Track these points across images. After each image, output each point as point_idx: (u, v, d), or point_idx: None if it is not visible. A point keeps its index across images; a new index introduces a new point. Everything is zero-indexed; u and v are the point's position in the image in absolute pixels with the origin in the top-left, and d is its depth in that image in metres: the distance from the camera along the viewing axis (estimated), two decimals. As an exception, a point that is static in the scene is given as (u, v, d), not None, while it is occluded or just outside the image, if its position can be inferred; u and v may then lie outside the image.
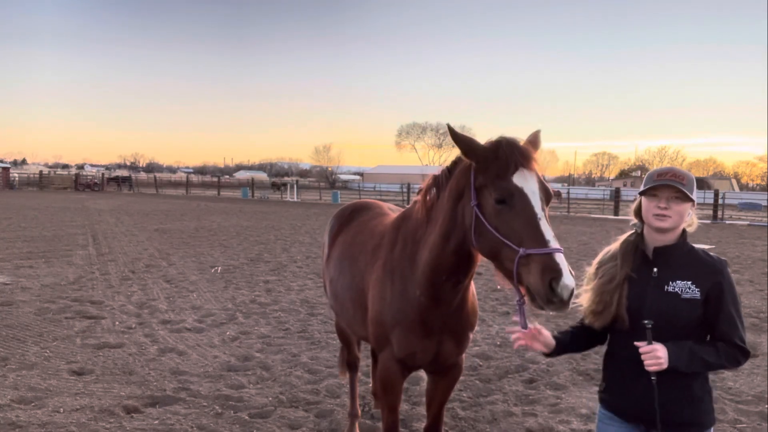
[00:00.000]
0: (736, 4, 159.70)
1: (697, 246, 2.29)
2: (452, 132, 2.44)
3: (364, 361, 4.91)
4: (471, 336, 3.05)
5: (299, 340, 6.40)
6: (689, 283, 2.19)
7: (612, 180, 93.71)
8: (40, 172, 58.56)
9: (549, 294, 2.07)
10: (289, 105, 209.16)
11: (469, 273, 2.73)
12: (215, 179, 72.58)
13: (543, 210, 2.24)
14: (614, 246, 2.38)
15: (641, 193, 2.29)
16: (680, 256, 2.25)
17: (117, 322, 6.82)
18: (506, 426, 4.36)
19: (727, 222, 27.87)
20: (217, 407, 4.49)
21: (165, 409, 4.44)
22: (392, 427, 3.12)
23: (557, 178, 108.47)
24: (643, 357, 2.13)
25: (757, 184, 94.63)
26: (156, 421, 4.21)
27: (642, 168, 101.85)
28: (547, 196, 2.31)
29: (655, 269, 2.25)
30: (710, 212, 31.01)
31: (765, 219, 29.61)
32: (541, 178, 2.35)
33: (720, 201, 30.43)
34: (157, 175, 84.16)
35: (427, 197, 2.76)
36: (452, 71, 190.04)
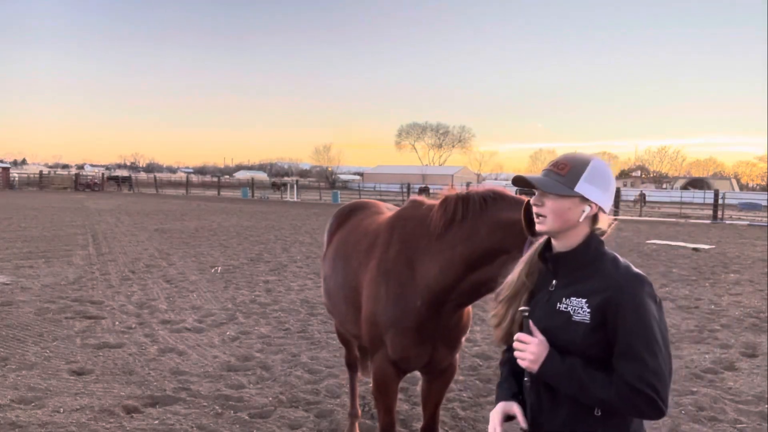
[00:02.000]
0: (736, 4, 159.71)
1: (611, 254, 1.79)
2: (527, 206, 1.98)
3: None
4: (464, 340, 3.06)
5: (299, 340, 6.40)
6: (583, 301, 1.70)
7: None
8: (40, 172, 58.56)
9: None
10: (289, 105, 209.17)
11: (477, 299, 2.72)
12: (215, 179, 72.58)
13: None
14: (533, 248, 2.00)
15: (519, 186, 1.90)
16: (582, 267, 1.76)
17: (117, 322, 6.82)
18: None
19: (727, 222, 27.88)
20: (217, 407, 4.49)
21: (165, 409, 4.44)
22: (388, 428, 3.11)
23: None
24: (515, 345, 1.76)
25: (757, 184, 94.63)
26: (156, 421, 4.21)
27: (642, 168, 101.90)
28: None
29: (554, 281, 1.80)
30: (710, 212, 31.04)
31: (765, 219, 29.63)
32: None
33: (720, 201, 30.43)
34: (157, 175, 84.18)
35: (449, 212, 2.68)
36: (452, 71, 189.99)
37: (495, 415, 1.87)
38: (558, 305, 1.75)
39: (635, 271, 1.72)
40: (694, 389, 5.08)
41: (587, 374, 1.65)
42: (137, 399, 4.58)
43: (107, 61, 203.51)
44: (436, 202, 2.80)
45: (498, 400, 1.90)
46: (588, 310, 1.68)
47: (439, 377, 3.13)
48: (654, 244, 17.02)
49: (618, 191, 35.53)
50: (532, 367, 1.72)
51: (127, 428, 4.09)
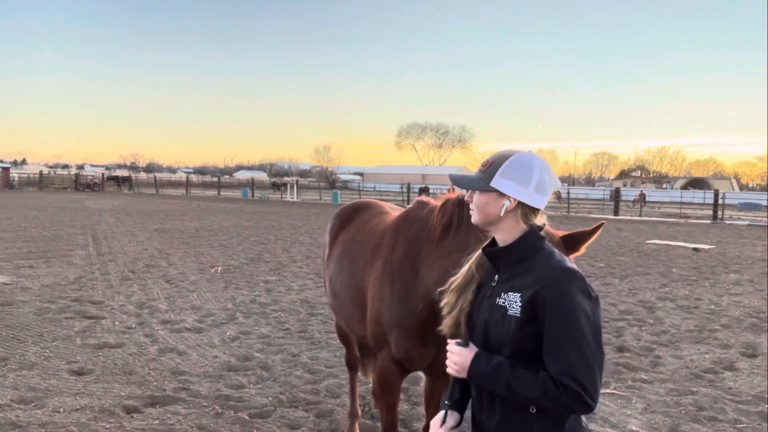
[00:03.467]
0: (736, 4, 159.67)
1: (550, 249, 1.80)
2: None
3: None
4: None
5: (299, 340, 6.40)
6: (518, 296, 1.73)
7: (612, 180, 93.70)
8: (40, 172, 58.54)
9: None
10: (289, 105, 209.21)
11: None
12: (215, 179, 72.62)
13: None
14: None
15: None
16: (520, 262, 1.78)
17: (117, 322, 6.82)
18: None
19: (727, 222, 27.87)
20: (217, 407, 4.49)
21: (165, 409, 4.44)
22: (391, 427, 3.12)
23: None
24: (447, 355, 1.83)
25: (757, 184, 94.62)
26: (156, 421, 4.21)
27: (642, 168, 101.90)
28: None
29: (497, 276, 1.84)
30: (710, 212, 31.04)
31: (765, 219, 29.63)
32: None
33: (720, 201, 30.43)
34: (157, 175, 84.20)
35: (446, 218, 2.67)
36: (452, 71, 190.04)
37: (435, 422, 1.90)
38: (497, 300, 1.78)
39: (568, 265, 1.72)
40: (694, 389, 5.08)
41: (514, 374, 1.67)
42: (137, 399, 4.58)
43: (107, 61, 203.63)
44: (439, 203, 2.80)
45: (440, 408, 1.95)
46: (520, 305, 1.71)
47: (442, 377, 3.13)
48: (654, 244, 17.01)
49: (618, 191, 35.61)
50: (460, 373, 1.77)
51: (127, 428, 4.09)
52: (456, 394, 1.95)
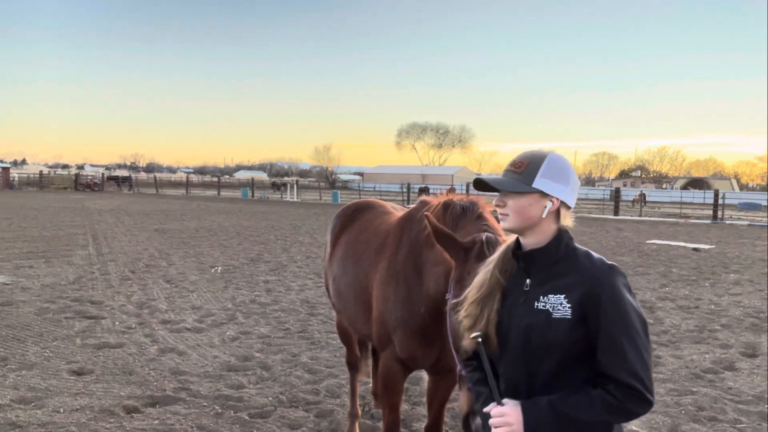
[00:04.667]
0: (736, 4, 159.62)
1: (583, 248, 1.77)
2: (432, 226, 2.25)
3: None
4: None
5: (299, 340, 6.40)
6: (562, 297, 1.67)
7: (612, 180, 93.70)
8: (40, 172, 58.55)
9: (464, 427, 1.91)
10: (289, 105, 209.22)
11: None
12: (215, 179, 72.61)
13: None
14: (502, 247, 1.94)
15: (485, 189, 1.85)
16: (555, 263, 1.73)
17: (117, 322, 6.82)
18: None
19: (727, 222, 27.87)
20: (217, 407, 4.49)
21: (165, 409, 4.44)
22: (393, 426, 3.12)
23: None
24: (491, 422, 1.67)
25: (757, 184, 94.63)
26: (156, 421, 4.21)
27: (642, 168, 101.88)
28: None
29: (528, 280, 1.75)
30: (710, 212, 31.04)
31: (765, 219, 29.63)
32: None
33: (720, 201, 30.43)
34: (157, 175, 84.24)
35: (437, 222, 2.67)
36: (452, 71, 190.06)
37: None
38: (536, 304, 1.70)
39: (610, 262, 1.71)
40: (694, 389, 5.08)
41: (567, 405, 1.60)
42: (137, 399, 4.58)
43: (107, 61, 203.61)
44: (440, 203, 2.79)
45: None
46: (568, 306, 1.65)
47: (446, 377, 3.13)
48: (654, 244, 17.01)
49: (618, 191, 35.60)
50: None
51: (127, 428, 4.09)
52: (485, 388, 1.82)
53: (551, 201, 1.71)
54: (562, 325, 1.65)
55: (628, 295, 1.64)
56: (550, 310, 1.67)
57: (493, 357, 1.79)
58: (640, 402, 1.58)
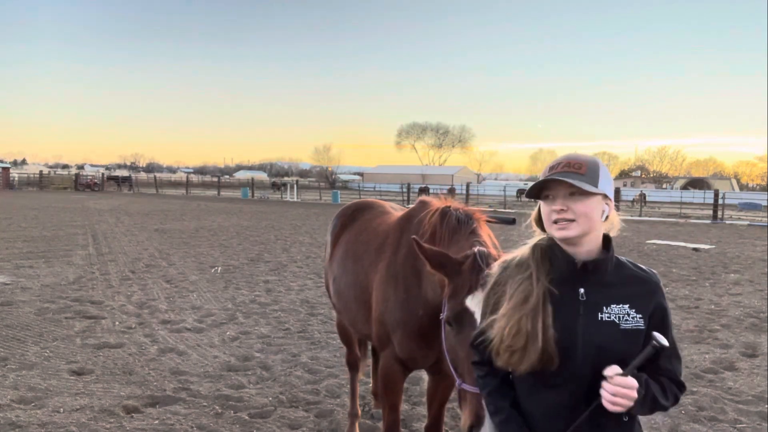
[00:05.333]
0: (736, 4, 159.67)
1: (621, 257, 1.72)
2: (419, 247, 2.21)
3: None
4: None
5: (299, 340, 6.40)
6: (626, 307, 1.61)
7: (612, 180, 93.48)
8: (40, 172, 58.54)
9: None
10: (289, 105, 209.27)
11: None
12: (215, 179, 72.61)
13: None
14: (522, 252, 1.75)
15: (530, 196, 1.68)
16: (609, 272, 1.66)
17: (117, 322, 6.82)
18: None
19: (727, 222, 27.87)
20: (217, 407, 4.49)
21: (165, 409, 4.44)
22: (393, 426, 3.12)
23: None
24: (611, 391, 1.54)
25: (757, 184, 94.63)
26: (156, 421, 4.21)
27: (642, 168, 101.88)
28: None
29: (582, 290, 1.63)
30: (710, 212, 31.04)
31: (765, 219, 29.64)
32: None
33: (720, 201, 30.44)
34: (157, 175, 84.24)
35: (428, 229, 2.67)
36: (452, 71, 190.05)
37: None
38: (600, 315, 1.61)
39: (650, 269, 1.74)
40: (694, 389, 5.08)
41: (652, 385, 1.62)
42: (137, 399, 4.58)
43: (107, 61, 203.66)
44: (438, 205, 2.77)
45: None
46: (639, 316, 1.62)
47: (446, 377, 3.12)
48: (654, 244, 17.01)
49: (618, 191, 35.60)
50: (627, 406, 1.56)
51: (127, 428, 4.09)
52: (521, 421, 1.71)
53: (607, 205, 1.66)
54: (633, 336, 1.62)
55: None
56: (616, 321, 1.61)
57: (546, 369, 1.62)
58: (683, 391, 1.69)
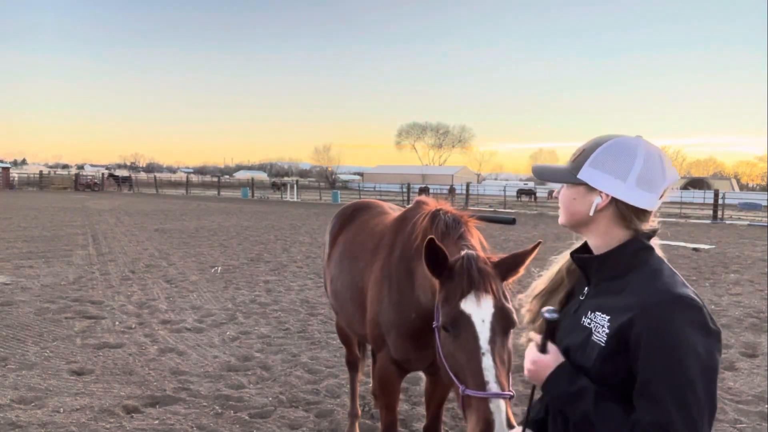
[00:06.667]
0: (736, 4, 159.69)
1: (660, 266, 1.46)
2: (430, 243, 2.07)
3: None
4: None
5: (299, 340, 6.40)
6: (606, 319, 1.40)
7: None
8: (40, 172, 58.53)
9: None
10: (289, 105, 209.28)
11: None
12: (215, 179, 72.61)
13: (493, 342, 1.86)
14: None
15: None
16: (615, 276, 1.46)
17: (117, 322, 6.82)
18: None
19: (727, 222, 27.86)
20: (217, 407, 4.49)
21: (165, 409, 4.44)
22: (390, 427, 3.12)
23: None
24: (526, 353, 1.52)
25: (757, 184, 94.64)
26: (156, 421, 4.21)
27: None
28: (504, 324, 1.92)
29: (586, 289, 1.54)
30: (710, 212, 31.04)
31: (765, 219, 29.63)
32: (503, 303, 1.97)
33: (720, 201, 30.43)
34: (157, 175, 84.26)
35: (419, 232, 2.66)
36: (452, 71, 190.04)
37: None
38: (583, 318, 1.48)
39: (678, 290, 1.35)
40: (694, 389, 5.08)
41: (597, 408, 1.35)
42: (137, 399, 4.58)
43: (107, 61, 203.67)
44: (427, 214, 2.74)
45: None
46: (606, 331, 1.38)
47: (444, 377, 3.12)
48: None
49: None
50: (533, 381, 1.49)
51: (127, 428, 4.09)
52: (541, 411, 1.63)
53: (600, 196, 1.45)
54: (594, 352, 1.40)
55: (691, 335, 1.29)
56: (593, 329, 1.43)
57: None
58: None
